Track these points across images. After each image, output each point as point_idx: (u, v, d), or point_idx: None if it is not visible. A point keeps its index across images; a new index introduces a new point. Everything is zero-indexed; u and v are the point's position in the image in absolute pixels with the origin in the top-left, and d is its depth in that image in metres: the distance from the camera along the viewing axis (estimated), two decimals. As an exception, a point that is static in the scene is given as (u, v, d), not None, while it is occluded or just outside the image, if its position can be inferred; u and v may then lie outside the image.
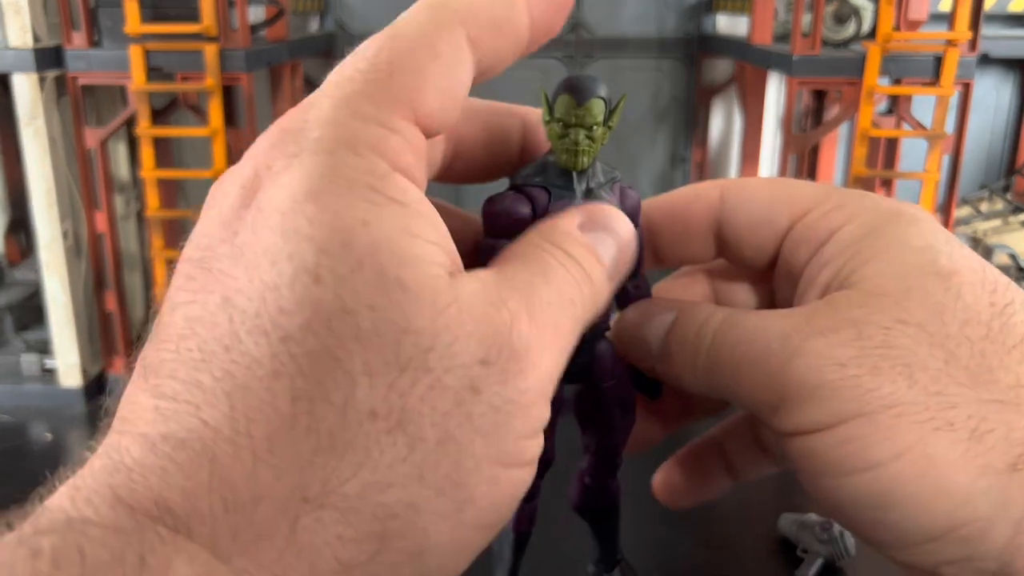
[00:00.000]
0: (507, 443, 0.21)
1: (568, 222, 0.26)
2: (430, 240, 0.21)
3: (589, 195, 0.29)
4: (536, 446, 0.22)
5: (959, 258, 0.25)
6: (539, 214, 0.28)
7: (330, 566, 0.19)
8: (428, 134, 0.23)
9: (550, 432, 0.29)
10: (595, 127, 0.28)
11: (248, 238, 0.20)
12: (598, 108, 0.28)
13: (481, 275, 0.22)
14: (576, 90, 0.27)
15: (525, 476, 0.22)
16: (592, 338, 0.29)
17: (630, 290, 0.32)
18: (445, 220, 0.24)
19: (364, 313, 0.20)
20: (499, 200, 0.28)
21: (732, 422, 0.33)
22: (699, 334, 0.27)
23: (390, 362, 0.19)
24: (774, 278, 0.29)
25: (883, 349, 0.23)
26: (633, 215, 0.30)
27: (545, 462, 0.30)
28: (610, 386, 0.30)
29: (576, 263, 0.24)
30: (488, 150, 0.28)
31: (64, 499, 0.18)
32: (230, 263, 0.20)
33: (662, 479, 0.33)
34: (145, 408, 0.19)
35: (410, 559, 0.20)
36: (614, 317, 0.32)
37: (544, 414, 0.22)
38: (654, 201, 0.31)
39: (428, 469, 0.20)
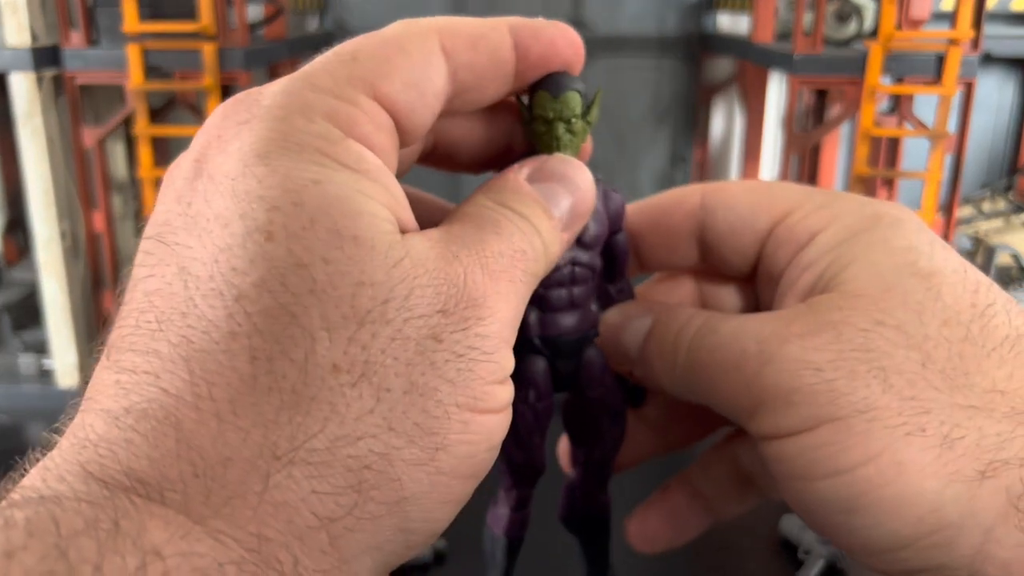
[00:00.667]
0: (474, 388, 0.21)
1: (515, 176, 0.25)
2: (382, 202, 0.21)
3: None
4: (504, 392, 0.22)
5: (941, 259, 0.24)
6: None
7: (308, 521, 0.19)
8: (397, 120, 0.23)
9: (540, 441, 0.29)
10: (573, 120, 0.28)
11: (201, 207, 0.20)
12: (574, 101, 0.28)
13: (431, 233, 0.22)
14: (551, 85, 0.27)
15: (498, 422, 0.22)
16: (580, 345, 0.29)
17: (613, 294, 0.31)
18: (430, 211, 0.25)
19: (318, 266, 0.19)
20: None
21: (707, 458, 0.32)
22: (677, 339, 0.27)
23: (348, 315, 0.19)
24: (757, 281, 0.29)
25: (860, 352, 0.23)
26: (616, 218, 0.30)
27: (535, 471, 0.30)
28: (597, 394, 0.30)
29: (523, 218, 0.24)
30: (482, 142, 0.28)
31: (36, 479, 0.19)
32: (185, 234, 0.20)
33: (637, 526, 0.32)
34: (107, 384, 0.19)
35: (390, 510, 0.20)
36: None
37: (508, 361, 0.22)
38: (636, 206, 0.31)
39: (396, 419, 0.19)
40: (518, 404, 0.28)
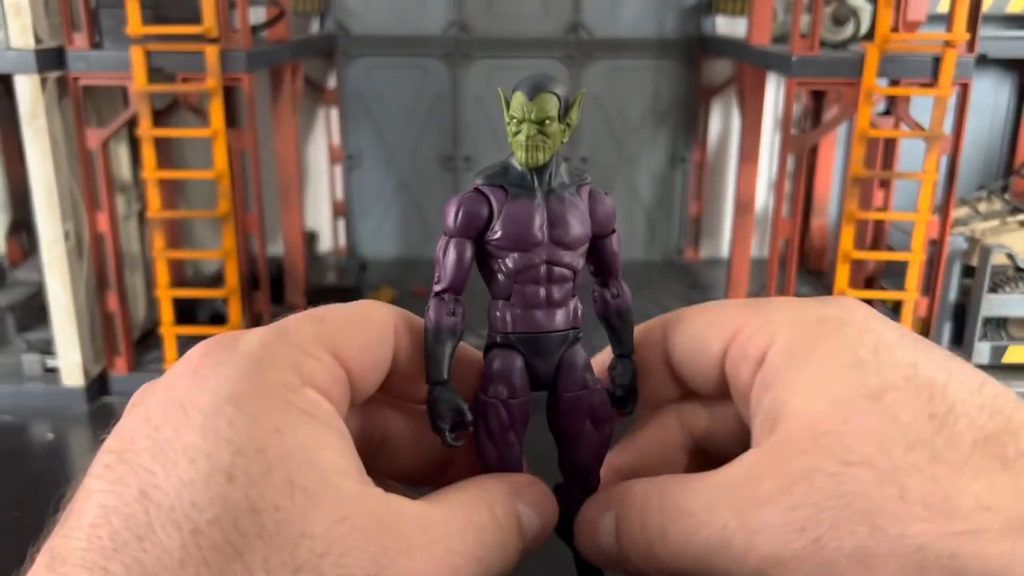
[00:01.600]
0: None
1: (511, 492, 0.27)
2: (336, 448, 0.23)
3: (550, 195, 0.29)
4: None
5: (888, 367, 0.24)
6: (496, 213, 0.28)
7: None
8: (351, 377, 0.26)
9: (516, 440, 0.29)
10: (547, 122, 0.28)
11: (168, 434, 0.22)
12: (549, 103, 0.28)
13: (407, 502, 0.24)
14: (527, 86, 0.28)
15: None
16: (559, 344, 0.29)
17: (609, 299, 0.31)
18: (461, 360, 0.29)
19: (269, 513, 0.21)
20: (459, 200, 0.29)
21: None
22: (645, 531, 0.26)
23: (287, 562, 0.21)
24: (734, 399, 0.28)
25: (836, 499, 0.22)
26: (605, 220, 0.30)
27: (512, 471, 0.30)
28: (575, 395, 0.29)
29: (503, 532, 0.26)
30: (423, 450, 0.30)
31: None
32: (149, 457, 0.22)
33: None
34: None
35: None
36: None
37: None
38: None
39: None
40: (492, 400, 0.29)
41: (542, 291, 0.29)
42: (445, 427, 0.28)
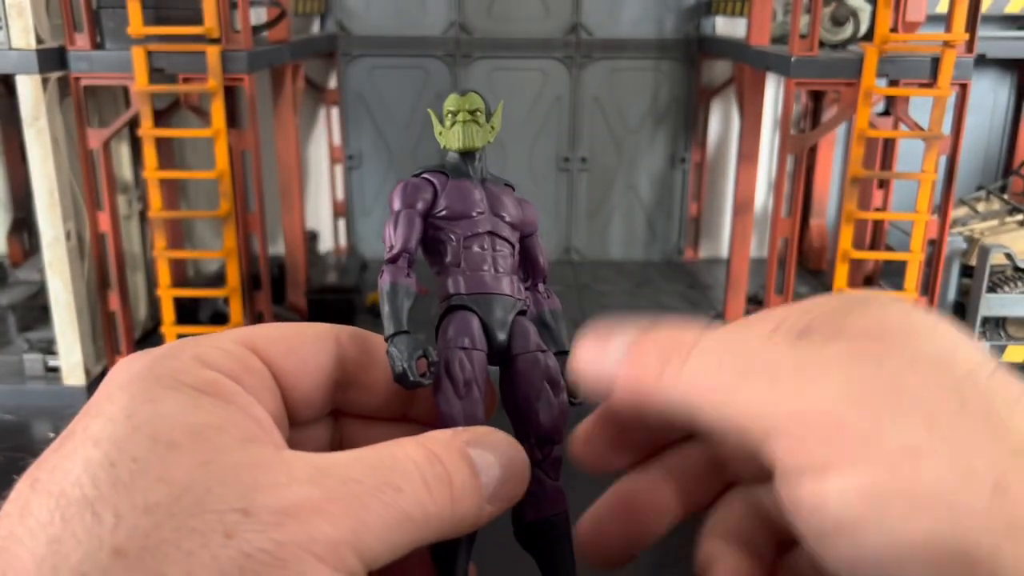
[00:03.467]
0: None
1: (453, 434, 0.26)
2: (222, 417, 0.24)
3: (484, 182, 0.32)
4: None
5: (933, 317, 0.24)
6: (440, 192, 0.32)
7: None
8: (280, 381, 0.27)
9: (479, 394, 0.29)
10: (477, 112, 0.32)
11: (71, 427, 0.24)
12: (477, 99, 0.32)
13: (307, 453, 0.24)
14: (458, 90, 0.32)
15: None
16: (512, 311, 0.30)
17: (541, 299, 0.34)
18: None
19: (125, 464, 0.22)
20: (404, 183, 0.32)
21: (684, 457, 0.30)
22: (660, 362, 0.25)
23: (138, 506, 0.21)
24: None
25: (898, 391, 0.21)
26: (531, 219, 0.33)
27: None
28: (530, 356, 0.30)
29: (441, 464, 0.24)
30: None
31: None
32: (50, 452, 0.24)
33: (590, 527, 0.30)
34: None
35: None
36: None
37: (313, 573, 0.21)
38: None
39: None
40: (454, 351, 0.29)
41: (488, 257, 0.31)
42: (411, 363, 0.28)
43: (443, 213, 0.32)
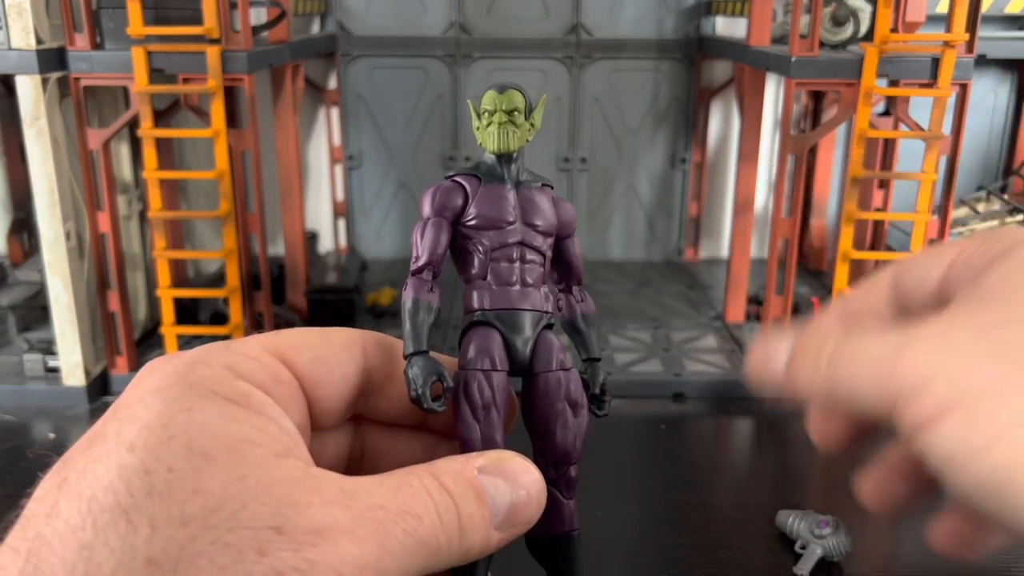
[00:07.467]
0: None
1: (466, 462, 0.27)
2: (256, 427, 0.24)
3: (519, 186, 0.31)
4: None
5: None
6: (471, 198, 0.31)
7: None
8: (306, 388, 0.27)
9: (498, 418, 0.29)
10: (515, 112, 0.31)
11: (97, 428, 0.24)
12: (517, 98, 0.31)
13: (333, 473, 0.24)
14: (497, 86, 0.31)
15: None
16: (537, 326, 0.30)
17: (575, 304, 0.33)
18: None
19: (161, 474, 0.22)
20: (436, 187, 0.31)
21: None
22: (819, 356, 0.27)
23: (174, 516, 0.21)
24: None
25: (997, 342, 0.22)
26: (569, 221, 0.32)
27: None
28: (552, 375, 0.30)
29: (447, 495, 0.25)
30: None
31: None
32: (77, 453, 0.24)
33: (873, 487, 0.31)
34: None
35: None
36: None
37: None
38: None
39: None
40: (474, 373, 0.29)
41: (516, 270, 0.30)
42: (424, 391, 0.28)
43: (473, 222, 0.31)
